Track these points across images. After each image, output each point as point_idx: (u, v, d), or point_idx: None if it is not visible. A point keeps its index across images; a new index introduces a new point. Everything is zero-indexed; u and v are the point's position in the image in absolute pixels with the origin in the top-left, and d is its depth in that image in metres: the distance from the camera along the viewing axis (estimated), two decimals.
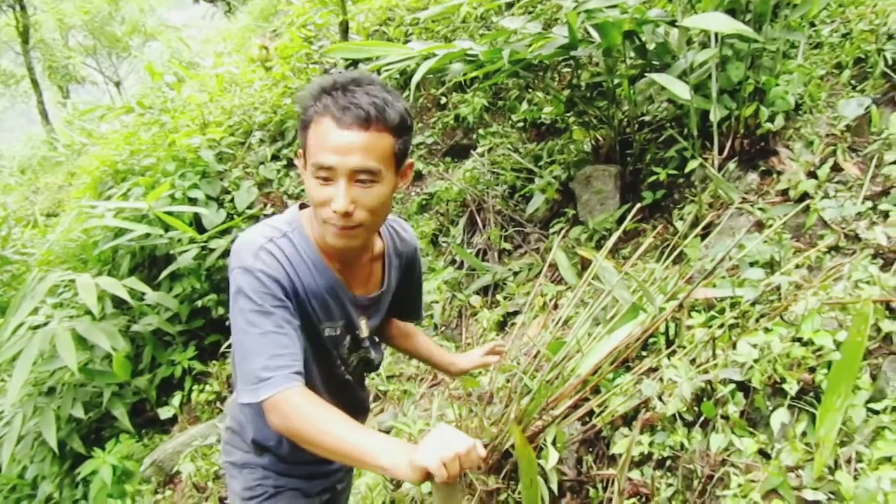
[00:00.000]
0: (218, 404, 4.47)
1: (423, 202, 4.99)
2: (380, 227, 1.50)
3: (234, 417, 1.71)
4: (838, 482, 1.59)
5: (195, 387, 4.74)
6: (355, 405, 1.71)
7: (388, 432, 3.26)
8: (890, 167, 2.49)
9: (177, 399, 4.56)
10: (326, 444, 1.22)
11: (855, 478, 1.58)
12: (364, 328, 1.58)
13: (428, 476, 1.13)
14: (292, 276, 1.38)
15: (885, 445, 1.59)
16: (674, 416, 2.01)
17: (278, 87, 6.05)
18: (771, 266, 2.40)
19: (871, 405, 1.70)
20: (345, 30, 5.49)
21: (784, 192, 2.80)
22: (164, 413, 4.54)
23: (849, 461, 1.64)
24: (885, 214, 2.37)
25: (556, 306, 3.37)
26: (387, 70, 3.75)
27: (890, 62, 2.94)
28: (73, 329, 4.33)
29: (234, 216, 5.25)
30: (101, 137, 8.32)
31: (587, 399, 2.40)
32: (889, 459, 1.57)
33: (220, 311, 5.06)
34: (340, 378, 1.61)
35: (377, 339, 1.73)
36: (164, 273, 4.98)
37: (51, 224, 8.24)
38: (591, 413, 2.36)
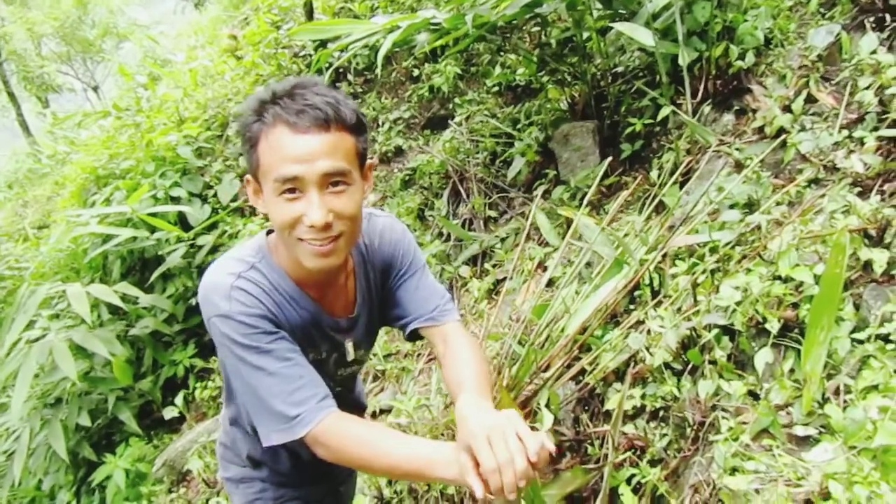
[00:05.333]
0: (223, 399, 4.48)
1: (406, 178, 4.94)
2: (358, 237, 1.35)
3: (226, 432, 1.65)
4: (828, 415, 1.58)
5: (198, 384, 4.75)
6: (350, 408, 1.65)
7: (388, 412, 3.26)
8: (863, 93, 2.45)
9: (180, 398, 4.57)
10: (381, 465, 1.18)
11: (844, 409, 1.57)
12: (350, 350, 1.47)
13: None
14: (272, 308, 1.27)
15: (870, 374, 1.58)
16: (662, 366, 1.99)
17: (250, 76, 5.97)
18: (751, 206, 2.37)
19: (855, 335, 1.68)
20: (309, 10, 5.39)
21: (761, 130, 2.76)
22: (168, 413, 4.56)
23: (837, 393, 1.63)
24: (861, 141, 2.33)
25: (544, 269, 3.35)
26: (353, 47, 3.68)
27: None
28: (69, 339, 4.33)
29: (219, 210, 5.21)
30: (82, 145, 8.26)
31: (578, 358, 2.39)
32: (876, 388, 1.56)
33: None
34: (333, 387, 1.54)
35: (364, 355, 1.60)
36: (155, 274, 4.96)
37: (42, 236, 8.21)
38: (583, 371, 2.35)
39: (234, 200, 5.22)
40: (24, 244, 7.63)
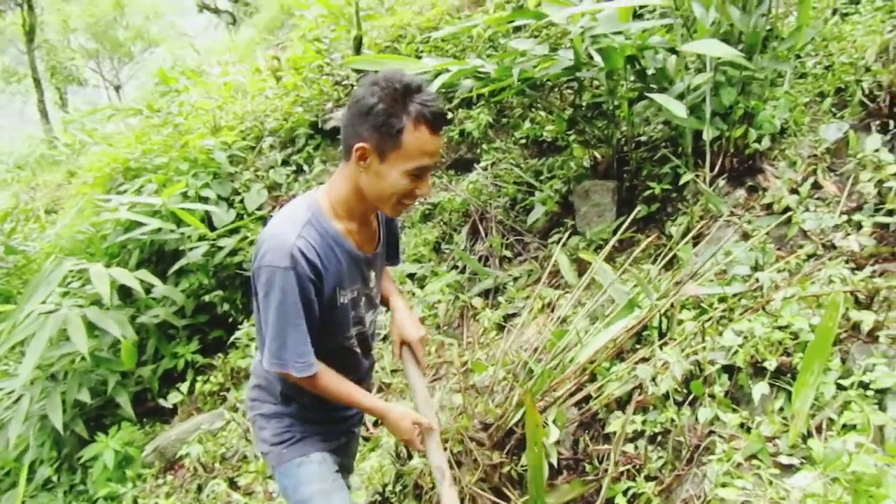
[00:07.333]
0: (223, 394, 4.63)
1: (427, 212, 5.21)
2: None
3: (261, 376, 1.95)
4: (810, 448, 1.82)
5: (199, 378, 4.89)
6: (366, 376, 2.04)
7: None
8: (864, 184, 2.76)
9: (185, 386, 4.72)
10: (351, 405, 1.84)
11: (825, 443, 1.81)
12: (372, 277, 1.85)
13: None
14: (320, 266, 1.62)
15: (851, 415, 1.82)
16: (665, 395, 2.23)
17: (289, 97, 6.28)
18: (755, 270, 2.65)
19: (840, 381, 1.93)
20: (358, 44, 5.75)
21: (769, 206, 3.07)
22: (172, 398, 4.71)
23: (819, 430, 1.87)
24: (859, 225, 2.63)
25: (553, 309, 3.59)
26: None
27: (867, 91, 3.24)
28: (84, 315, 4.49)
29: (244, 216, 5.45)
30: (104, 137, 8.52)
31: (584, 387, 2.62)
32: (854, 427, 1.81)
33: (226, 307, 5.24)
34: (355, 344, 1.89)
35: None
36: (174, 267, 5.16)
37: (50, 220, 8.38)
38: (587, 399, 2.58)
39: (259, 209, 5.46)
40: (33, 225, 7.82)
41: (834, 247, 2.62)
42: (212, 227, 5.29)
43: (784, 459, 1.85)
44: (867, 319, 2.01)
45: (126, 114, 8.73)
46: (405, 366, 1.95)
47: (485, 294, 4.17)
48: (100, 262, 5.52)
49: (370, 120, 1.53)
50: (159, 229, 5.10)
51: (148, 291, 5.11)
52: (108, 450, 4.65)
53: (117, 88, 19.38)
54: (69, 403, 4.78)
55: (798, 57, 3.82)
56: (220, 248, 5.21)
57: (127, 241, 5.50)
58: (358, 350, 1.92)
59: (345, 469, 2.17)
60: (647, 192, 3.67)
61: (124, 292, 5.32)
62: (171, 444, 4.52)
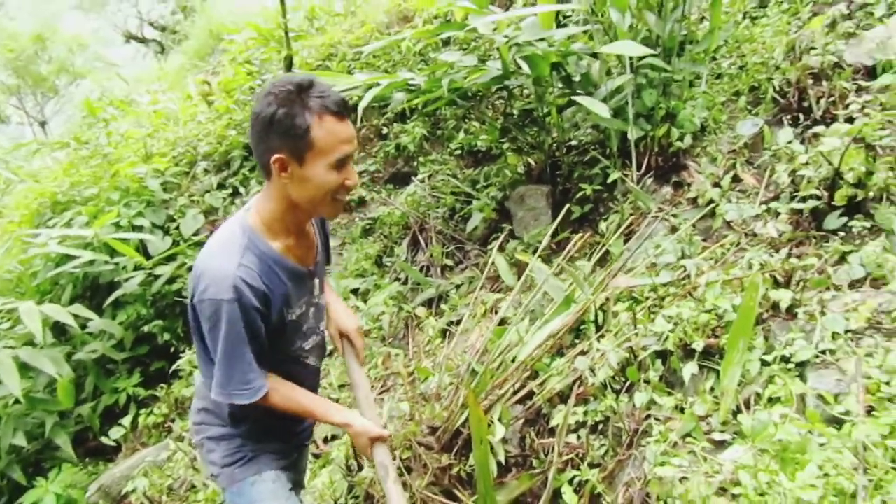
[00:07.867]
0: (169, 424, 4.51)
1: (367, 227, 5.22)
2: None
3: (207, 398, 1.87)
4: (740, 423, 1.90)
5: (142, 411, 4.75)
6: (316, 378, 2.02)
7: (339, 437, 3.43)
8: (780, 175, 2.90)
9: (128, 420, 4.58)
10: (306, 417, 1.86)
11: (753, 415, 1.89)
12: (316, 284, 1.84)
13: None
14: (266, 291, 1.59)
15: (775, 388, 1.91)
16: (604, 384, 2.29)
17: (222, 120, 6.22)
18: (682, 259, 2.75)
19: (764, 357, 2.02)
20: (289, 64, 5.75)
21: (694, 201, 3.20)
22: (115, 434, 4.55)
23: (748, 405, 1.95)
24: (777, 213, 2.77)
25: (495, 313, 3.64)
26: None
27: (778, 88, 3.42)
28: (16, 357, 4.31)
29: (180, 243, 5.35)
30: (30, 174, 8.25)
31: (527, 383, 2.67)
32: (778, 399, 1.89)
33: (167, 336, 5.11)
34: (307, 357, 1.88)
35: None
36: (110, 299, 5.02)
37: None
38: (530, 395, 2.63)
39: (195, 234, 5.37)
40: None
41: (755, 235, 2.75)
42: (148, 257, 5.17)
43: (717, 436, 1.92)
44: (785, 298, 2.12)
45: (52, 148, 8.48)
46: (346, 360, 1.96)
47: (428, 303, 4.19)
48: (30, 301, 5.35)
49: (276, 129, 1.50)
50: (92, 261, 4.96)
51: (84, 327, 4.95)
52: (49, 494, 4.46)
53: (42, 124, 18.75)
54: (4, 449, 4.59)
55: (713, 59, 4.01)
56: (157, 277, 5.09)
57: (59, 277, 5.33)
58: (310, 361, 1.90)
59: (297, 485, 2.15)
60: (580, 194, 3.77)
61: (59, 329, 5.15)
62: (115, 481, 4.37)
